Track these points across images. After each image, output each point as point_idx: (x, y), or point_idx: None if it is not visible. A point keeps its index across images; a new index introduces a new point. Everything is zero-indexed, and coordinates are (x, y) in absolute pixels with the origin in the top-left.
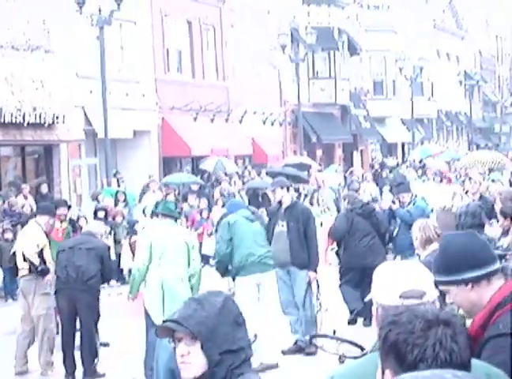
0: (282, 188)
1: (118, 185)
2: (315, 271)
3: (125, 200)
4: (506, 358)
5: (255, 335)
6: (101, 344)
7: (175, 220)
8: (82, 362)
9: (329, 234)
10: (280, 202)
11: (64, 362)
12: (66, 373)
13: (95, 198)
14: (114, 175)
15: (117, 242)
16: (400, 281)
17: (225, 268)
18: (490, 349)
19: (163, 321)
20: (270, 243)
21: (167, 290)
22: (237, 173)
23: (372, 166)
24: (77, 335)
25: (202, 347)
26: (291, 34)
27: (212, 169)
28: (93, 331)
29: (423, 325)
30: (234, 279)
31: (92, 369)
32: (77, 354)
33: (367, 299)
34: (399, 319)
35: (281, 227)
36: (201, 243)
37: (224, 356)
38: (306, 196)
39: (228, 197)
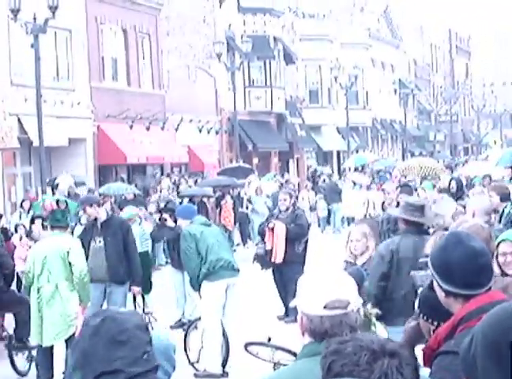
0: (91, 206)
1: (54, 194)
2: (139, 285)
3: (65, 208)
4: (445, 378)
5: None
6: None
7: (65, 229)
8: None
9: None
10: (95, 218)
11: None
12: None
13: (20, 205)
14: (48, 184)
15: None
16: (325, 290)
17: (198, 278)
18: (435, 365)
19: None
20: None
21: (44, 305)
22: (174, 181)
23: (312, 176)
24: None
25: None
26: (227, 42)
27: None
28: None
29: (369, 357)
30: (199, 286)
31: None
32: None
33: (291, 305)
34: (344, 349)
35: (98, 242)
36: None
37: None
38: (249, 201)
39: (166, 204)
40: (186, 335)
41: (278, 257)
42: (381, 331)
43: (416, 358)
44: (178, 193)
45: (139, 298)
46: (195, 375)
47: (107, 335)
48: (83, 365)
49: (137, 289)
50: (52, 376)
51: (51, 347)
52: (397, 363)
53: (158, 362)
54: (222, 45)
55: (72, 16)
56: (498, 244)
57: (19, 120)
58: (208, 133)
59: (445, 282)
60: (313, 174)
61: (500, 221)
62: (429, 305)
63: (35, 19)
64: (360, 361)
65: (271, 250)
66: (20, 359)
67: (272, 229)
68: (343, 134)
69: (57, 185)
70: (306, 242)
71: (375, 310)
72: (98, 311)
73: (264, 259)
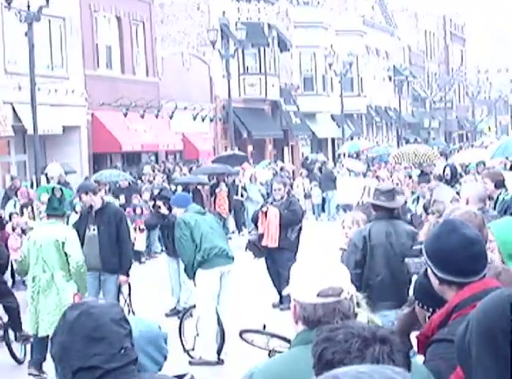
0: (87, 193)
1: (48, 182)
2: (127, 274)
3: (61, 196)
4: (439, 366)
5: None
6: None
7: (61, 218)
8: None
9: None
10: (91, 206)
11: None
12: None
13: (13, 194)
14: (42, 172)
15: None
16: (318, 278)
17: (193, 265)
18: (429, 353)
19: None
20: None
21: (40, 294)
22: (165, 169)
23: (304, 164)
24: None
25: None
26: (222, 30)
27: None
28: None
29: (360, 344)
30: (194, 274)
31: None
32: None
33: (284, 293)
34: (335, 336)
35: (92, 230)
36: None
37: (78, 375)
38: (243, 189)
39: (160, 192)
40: (181, 323)
41: (271, 241)
42: (362, 317)
43: (408, 345)
44: (171, 180)
45: (125, 288)
46: (190, 363)
47: (82, 332)
48: (61, 360)
49: (123, 278)
50: (44, 359)
51: (47, 336)
52: (389, 350)
53: (137, 354)
54: (216, 32)
55: (66, 4)
56: None
57: (13, 108)
58: (203, 120)
59: (439, 269)
60: (304, 162)
61: (495, 208)
62: (424, 291)
63: (29, 7)
64: (352, 348)
65: (263, 235)
66: (17, 346)
67: (266, 213)
68: (338, 121)
69: (46, 174)
70: (300, 229)
71: (361, 295)
72: (76, 303)
73: (256, 246)
